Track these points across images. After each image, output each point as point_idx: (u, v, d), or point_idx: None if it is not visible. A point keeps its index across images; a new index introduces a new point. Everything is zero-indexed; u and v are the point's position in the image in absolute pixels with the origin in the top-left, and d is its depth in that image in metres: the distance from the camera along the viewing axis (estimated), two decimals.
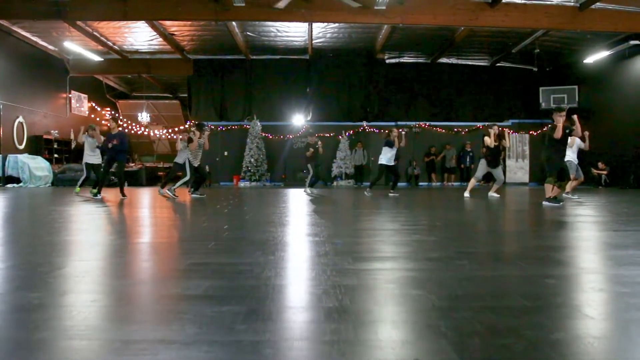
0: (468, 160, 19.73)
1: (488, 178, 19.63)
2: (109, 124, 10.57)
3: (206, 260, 3.17)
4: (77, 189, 11.12)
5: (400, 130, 12.36)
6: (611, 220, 5.95)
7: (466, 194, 10.71)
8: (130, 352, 1.55)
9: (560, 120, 8.20)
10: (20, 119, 16.53)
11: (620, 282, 2.53)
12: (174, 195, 10.11)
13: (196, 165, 10.70)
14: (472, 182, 10.92)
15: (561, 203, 8.24)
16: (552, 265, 3.03)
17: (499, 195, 10.69)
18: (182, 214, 6.98)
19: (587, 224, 5.49)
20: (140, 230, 5.03)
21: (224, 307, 2.03)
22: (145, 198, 10.42)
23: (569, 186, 9.82)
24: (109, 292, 2.37)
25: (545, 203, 8.22)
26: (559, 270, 2.85)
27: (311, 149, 12.36)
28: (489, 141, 10.44)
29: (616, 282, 2.55)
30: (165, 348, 1.58)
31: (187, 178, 10.65)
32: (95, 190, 10.11)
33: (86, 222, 5.66)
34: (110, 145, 9.90)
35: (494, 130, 10.50)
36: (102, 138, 10.44)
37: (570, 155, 9.96)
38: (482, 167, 10.69)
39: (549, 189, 8.41)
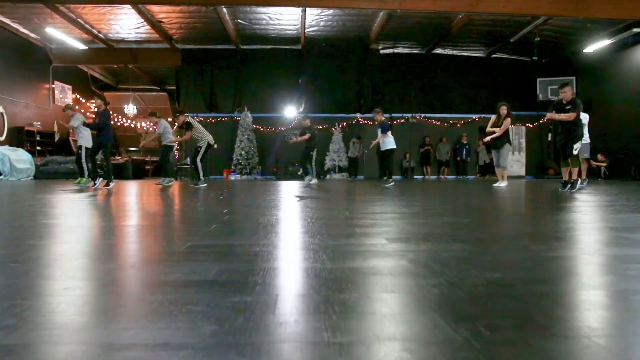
0: (464, 152, 19.30)
1: (484, 172, 19.37)
2: (95, 104, 10.20)
3: (210, 242, 2.61)
4: (82, 180, 10.47)
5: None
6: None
7: (502, 184, 10.22)
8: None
9: (566, 97, 8.13)
10: (1, 109, 15.76)
11: None
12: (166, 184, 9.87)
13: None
14: (502, 173, 10.47)
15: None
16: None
17: (503, 185, 10.23)
18: (175, 200, 6.38)
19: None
20: (128, 214, 4.43)
21: (246, 296, 1.48)
22: (132, 188, 9.77)
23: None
24: (89, 278, 1.80)
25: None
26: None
27: (307, 133, 11.83)
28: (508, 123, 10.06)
29: None
30: (170, 357, 1.02)
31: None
32: (82, 180, 9.61)
33: (69, 207, 5.04)
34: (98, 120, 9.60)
35: (501, 111, 10.13)
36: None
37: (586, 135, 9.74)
38: (493, 154, 10.48)
39: (575, 171, 8.34)
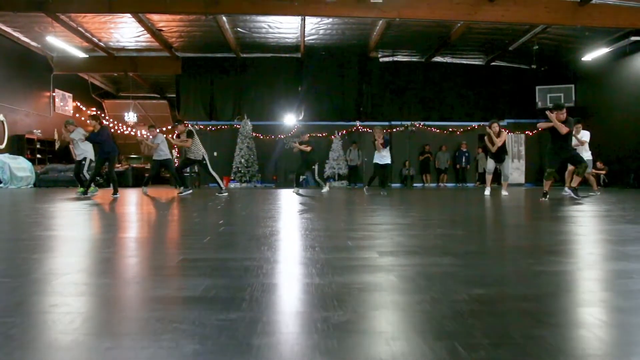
0: (464, 160, 19.33)
1: (483, 179, 19.35)
2: (90, 124, 10.19)
3: (203, 256, 2.63)
4: (81, 189, 10.48)
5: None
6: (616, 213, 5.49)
7: (503, 192, 10.33)
8: None
9: (561, 117, 8.03)
10: (1, 117, 15.82)
11: None
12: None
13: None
14: (504, 184, 10.55)
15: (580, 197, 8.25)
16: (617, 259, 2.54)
17: (507, 193, 10.28)
18: (171, 210, 6.40)
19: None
20: (124, 225, 4.45)
21: (232, 313, 1.50)
22: (132, 197, 9.80)
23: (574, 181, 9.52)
24: (78, 294, 1.82)
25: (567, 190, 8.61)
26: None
27: (309, 145, 11.87)
28: (493, 138, 10.12)
29: None
30: None
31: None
32: (82, 190, 9.64)
33: (65, 218, 5.06)
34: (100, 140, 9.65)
35: (493, 129, 10.17)
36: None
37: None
38: (489, 163, 10.47)
39: (547, 184, 8.49)
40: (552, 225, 4.49)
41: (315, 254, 2.61)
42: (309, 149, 11.71)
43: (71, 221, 4.88)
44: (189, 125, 11.32)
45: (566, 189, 9.64)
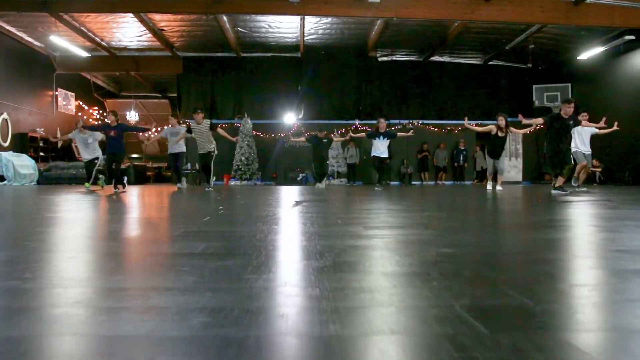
0: (462, 158, 19.56)
1: (482, 177, 19.62)
2: (108, 117, 10.37)
3: (203, 229, 2.86)
4: (87, 184, 10.73)
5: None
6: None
7: (498, 187, 10.36)
8: (115, 297, 1.26)
9: (568, 111, 8.27)
10: (5, 115, 16.06)
11: None
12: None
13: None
14: (496, 177, 10.69)
15: (567, 191, 8.28)
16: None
17: (503, 189, 10.41)
18: (174, 200, 6.64)
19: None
20: (128, 209, 4.70)
21: (227, 261, 1.74)
22: (134, 190, 10.05)
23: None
24: (92, 250, 2.06)
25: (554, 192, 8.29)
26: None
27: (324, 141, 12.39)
28: (494, 129, 10.26)
29: None
30: (158, 294, 1.28)
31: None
32: (88, 184, 9.97)
33: (71, 204, 5.31)
34: (111, 133, 9.83)
35: (500, 122, 10.30)
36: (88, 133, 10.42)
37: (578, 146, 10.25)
38: (489, 161, 10.61)
39: (562, 180, 8.50)
40: (529, 209, 4.72)
41: (305, 228, 2.85)
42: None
43: (81, 207, 5.13)
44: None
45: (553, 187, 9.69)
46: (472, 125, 9.33)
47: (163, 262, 1.73)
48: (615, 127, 10.64)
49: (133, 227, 3.18)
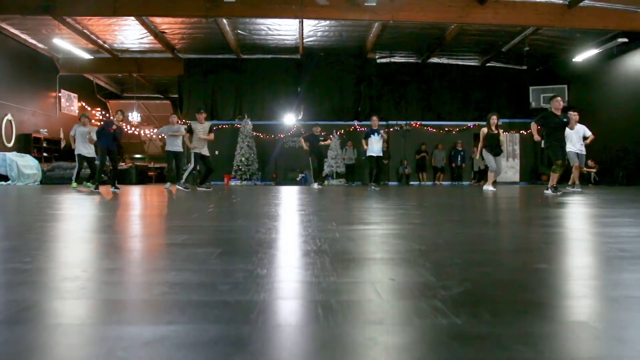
0: (459, 159, 19.79)
1: (480, 177, 19.87)
2: (116, 116, 10.33)
3: (188, 224, 3.13)
4: (74, 184, 10.89)
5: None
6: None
7: (490, 188, 10.36)
8: (101, 275, 1.52)
9: (557, 105, 8.72)
10: (9, 116, 16.40)
11: None
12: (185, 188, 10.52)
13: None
14: (492, 176, 10.76)
15: (559, 192, 8.50)
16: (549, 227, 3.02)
17: (495, 189, 10.48)
18: (167, 199, 6.91)
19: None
20: (124, 207, 4.96)
21: (199, 249, 2.00)
22: (133, 191, 10.33)
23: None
24: (85, 241, 2.33)
25: (546, 192, 8.60)
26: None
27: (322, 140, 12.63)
28: (485, 130, 10.47)
29: None
30: (135, 272, 1.55)
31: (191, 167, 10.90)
32: (90, 183, 10.11)
33: (72, 203, 5.58)
34: (112, 128, 9.86)
35: (492, 121, 10.51)
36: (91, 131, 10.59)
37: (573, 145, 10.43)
38: (489, 159, 10.63)
39: (555, 178, 8.78)
40: (513, 207, 4.96)
41: (281, 224, 3.11)
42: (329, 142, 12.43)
43: (83, 205, 5.41)
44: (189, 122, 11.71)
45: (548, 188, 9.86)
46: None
47: (146, 250, 2.00)
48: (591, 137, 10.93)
49: (126, 222, 3.45)
